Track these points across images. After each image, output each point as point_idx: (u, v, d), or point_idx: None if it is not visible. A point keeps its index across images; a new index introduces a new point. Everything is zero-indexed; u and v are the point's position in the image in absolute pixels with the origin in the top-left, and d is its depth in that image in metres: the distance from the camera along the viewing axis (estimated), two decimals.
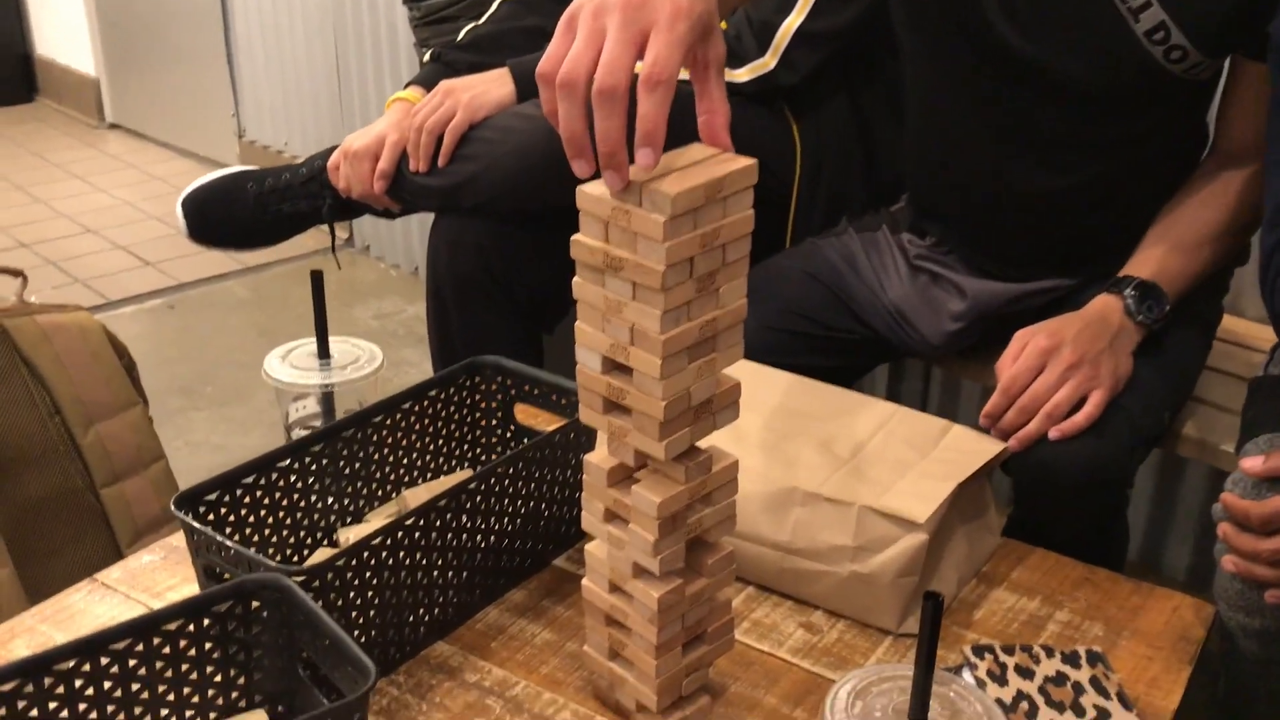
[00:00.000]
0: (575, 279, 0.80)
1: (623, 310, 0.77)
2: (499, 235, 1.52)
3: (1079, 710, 0.88)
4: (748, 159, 0.78)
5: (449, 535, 0.97)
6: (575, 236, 0.78)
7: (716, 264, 0.77)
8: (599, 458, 0.85)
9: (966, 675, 0.90)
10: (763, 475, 1.05)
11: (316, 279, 1.13)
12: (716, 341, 0.79)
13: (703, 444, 0.83)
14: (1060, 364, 1.10)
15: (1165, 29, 1.11)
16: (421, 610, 0.96)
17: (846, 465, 1.07)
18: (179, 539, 1.07)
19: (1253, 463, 0.95)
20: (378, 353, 1.22)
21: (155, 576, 1.06)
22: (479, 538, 1.00)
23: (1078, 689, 0.90)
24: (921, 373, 1.94)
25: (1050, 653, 0.94)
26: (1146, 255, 1.18)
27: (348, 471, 1.06)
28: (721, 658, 0.94)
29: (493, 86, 1.54)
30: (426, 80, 1.64)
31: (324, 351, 1.20)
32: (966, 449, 1.09)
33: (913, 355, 1.42)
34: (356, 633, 0.90)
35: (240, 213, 1.65)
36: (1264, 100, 1.07)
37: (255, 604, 0.84)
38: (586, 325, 0.79)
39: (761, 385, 1.17)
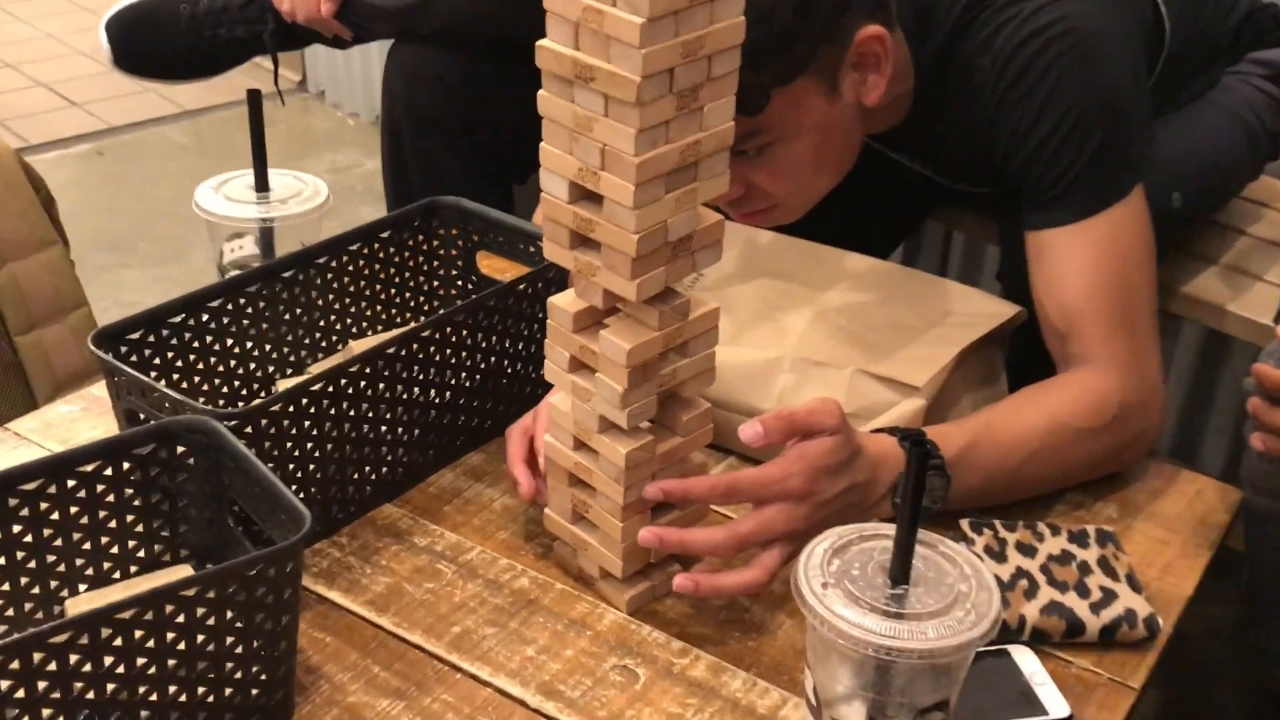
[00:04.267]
0: (540, 92, 0.79)
1: (593, 128, 0.77)
2: (463, 67, 1.50)
3: (1083, 591, 0.89)
4: None
5: (398, 387, 0.97)
6: (541, 42, 0.78)
7: (700, 78, 0.77)
8: (565, 300, 0.85)
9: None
10: (750, 344, 1.06)
11: (253, 98, 1.12)
12: (699, 169, 0.79)
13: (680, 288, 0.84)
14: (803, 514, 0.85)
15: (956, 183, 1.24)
16: (367, 468, 0.98)
17: (844, 332, 1.08)
18: (101, 389, 1.08)
19: None
20: (323, 187, 1.21)
21: (74, 428, 1.07)
22: (432, 392, 1.01)
23: (1083, 569, 0.91)
24: (940, 242, 1.94)
25: (1056, 531, 0.95)
26: (961, 427, 0.95)
27: (288, 318, 1.07)
28: (694, 525, 0.95)
29: None
30: None
31: (262, 183, 1.19)
32: (978, 312, 1.10)
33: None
34: (294, 488, 0.91)
35: (172, 38, 1.62)
36: (1061, 273, 1.01)
37: (181, 449, 0.85)
38: (553, 146, 0.79)
39: (756, 251, 1.18)
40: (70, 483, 0.82)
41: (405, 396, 0.98)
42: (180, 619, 0.72)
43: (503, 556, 0.95)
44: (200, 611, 0.73)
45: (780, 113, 1.00)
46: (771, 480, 0.86)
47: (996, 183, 1.15)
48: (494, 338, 1.04)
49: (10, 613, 0.82)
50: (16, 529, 0.80)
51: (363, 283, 1.12)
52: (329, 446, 0.94)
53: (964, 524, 0.95)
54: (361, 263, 1.11)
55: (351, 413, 0.94)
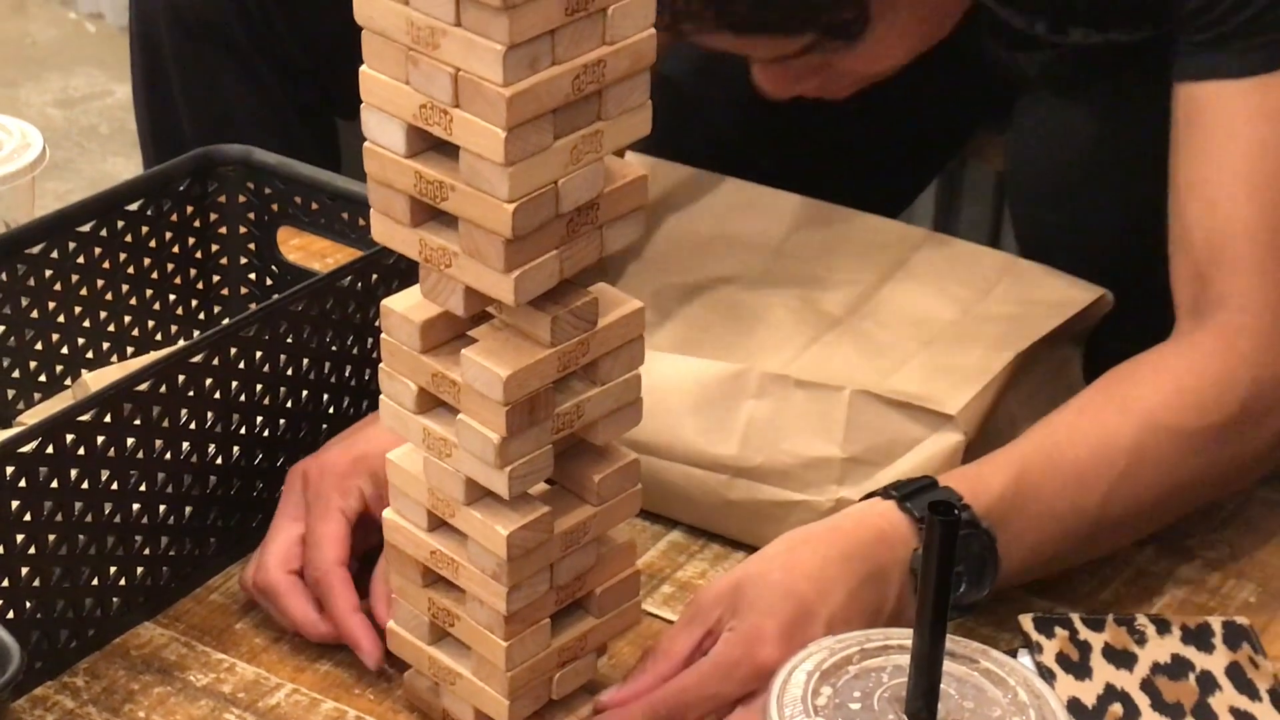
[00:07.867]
0: None
1: (440, 42, 0.75)
2: None
3: (1206, 718, 0.90)
4: None
5: (157, 442, 0.96)
6: None
7: None
8: (406, 304, 0.84)
9: (1025, 660, 0.92)
10: (699, 353, 1.05)
11: None
12: (604, 101, 0.79)
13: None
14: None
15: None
16: (113, 569, 0.96)
17: (839, 327, 1.08)
18: None
19: None
20: (35, 136, 1.20)
21: None
22: (211, 449, 1.00)
23: (1206, 684, 0.91)
24: (990, 191, 1.94)
25: (1165, 627, 0.95)
26: (997, 462, 0.97)
27: None
28: (619, 639, 0.96)
29: None
30: None
31: None
32: (1039, 298, 1.10)
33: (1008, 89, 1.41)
34: None
35: None
36: (1218, 151, 1.01)
37: None
38: (378, 70, 0.78)
39: (703, 205, 1.17)
40: None
41: (169, 456, 0.97)
42: None
43: (326, 698, 0.95)
44: None
45: None
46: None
47: (1147, 18, 1.14)
48: (304, 360, 1.03)
49: None
50: None
51: (101, 282, 1.11)
52: (52, 538, 0.92)
53: (1025, 621, 0.95)
54: (99, 251, 1.10)
55: (84, 484, 0.93)
